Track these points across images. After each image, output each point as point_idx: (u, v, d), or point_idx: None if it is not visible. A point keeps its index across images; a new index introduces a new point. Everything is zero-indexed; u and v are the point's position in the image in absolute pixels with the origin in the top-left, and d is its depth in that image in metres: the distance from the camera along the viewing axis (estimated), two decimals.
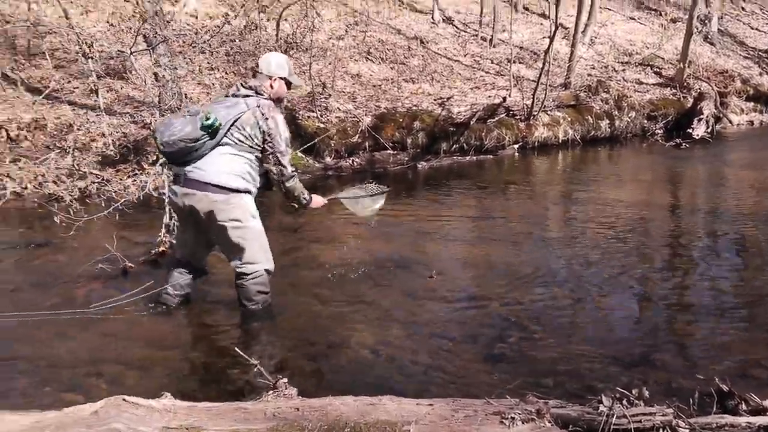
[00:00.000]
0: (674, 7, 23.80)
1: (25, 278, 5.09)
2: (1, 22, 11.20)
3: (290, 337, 4.03)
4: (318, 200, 4.28)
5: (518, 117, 12.07)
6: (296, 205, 4.20)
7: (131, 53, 6.91)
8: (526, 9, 19.71)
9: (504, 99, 11.89)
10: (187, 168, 3.89)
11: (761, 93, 18.11)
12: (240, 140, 3.89)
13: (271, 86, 4.03)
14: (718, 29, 21.89)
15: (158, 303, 4.29)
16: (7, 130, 9.46)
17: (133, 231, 6.32)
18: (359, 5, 15.13)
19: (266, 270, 4.11)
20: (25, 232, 6.78)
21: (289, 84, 4.15)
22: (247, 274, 4.05)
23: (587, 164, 11.41)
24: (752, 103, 17.66)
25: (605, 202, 7.97)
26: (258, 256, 4.04)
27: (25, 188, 7.67)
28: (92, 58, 7.55)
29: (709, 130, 13.60)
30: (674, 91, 16.06)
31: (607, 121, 13.35)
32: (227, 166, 3.88)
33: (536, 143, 12.08)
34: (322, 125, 10.10)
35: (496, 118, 11.67)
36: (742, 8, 26.44)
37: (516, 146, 11.80)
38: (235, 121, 3.86)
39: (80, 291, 4.70)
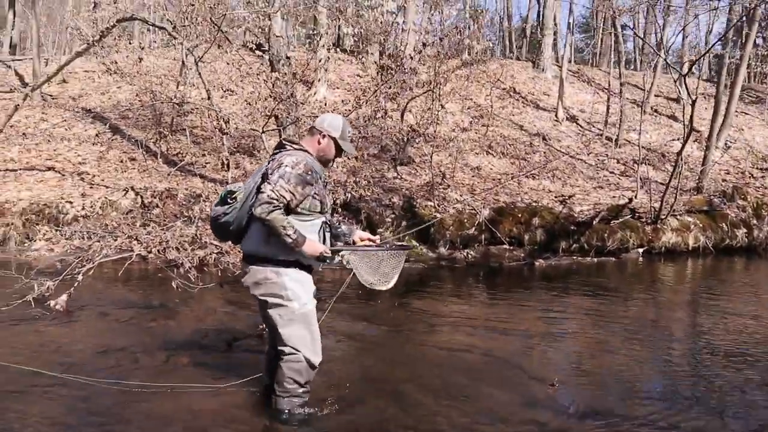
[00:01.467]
0: None
1: (138, 337, 5.16)
2: (152, 99, 12.17)
3: None
4: (314, 246, 3.49)
5: (644, 220, 11.43)
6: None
7: (262, 132, 7.16)
8: (655, 111, 19.15)
9: (630, 200, 11.34)
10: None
11: None
12: None
13: (319, 142, 3.68)
14: None
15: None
16: (142, 197, 10.06)
17: (243, 306, 6.34)
18: (483, 100, 15.25)
19: (307, 360, 3.54)
20: (144, 294, 7.02)
21: (339, 149, 3.73)
22: (285, 354, 3.54)
23: (720, 274, 10.48)
24: None
25: (738, 317, 7.12)
26: (297, 341, 3.52)
27: (150, 252, 8.00)
28: (227, 133, 7.92)
29: None
30: None
31: (744, 230, 12.36)
32: (262, 234, 3.49)
33: (663, 248, 11.32)
34: (438, 215, 9.98)
35: (621, 220, 11.10)
36: None
37: (641, 250, 11.12)
38: (260, 186, 3.49)
39: (183, 359, 4.66)
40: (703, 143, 15.46)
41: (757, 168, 16.75)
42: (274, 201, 3.36)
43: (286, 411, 3.59)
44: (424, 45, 10.09)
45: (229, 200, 3.63)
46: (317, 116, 4.75)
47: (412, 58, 10.54)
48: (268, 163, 3.63)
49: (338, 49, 18.00)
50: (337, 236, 3.78)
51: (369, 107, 12.02)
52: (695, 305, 8.12)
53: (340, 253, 3.69)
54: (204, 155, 11.61)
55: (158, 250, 7.62)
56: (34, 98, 15.28)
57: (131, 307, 6.31)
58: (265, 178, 3.49)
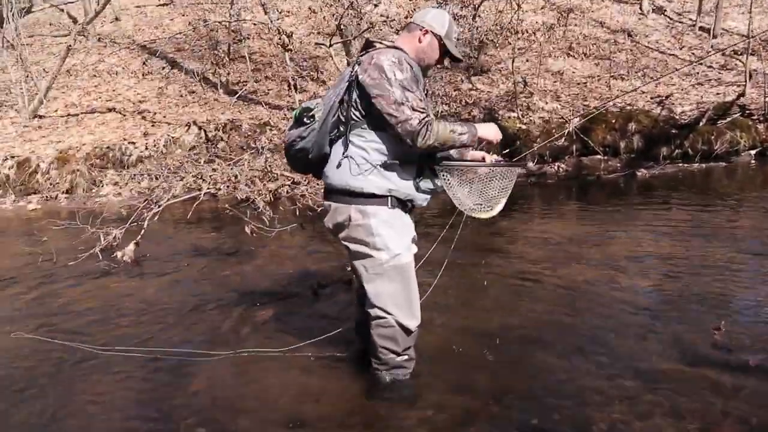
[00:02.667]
0: None
1: (211, 292, 4.65)
2: (206, 27, 11.48)
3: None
4: (488, 129, 2.84)
5: (756, 117, 10.14)
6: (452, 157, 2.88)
7: (331, 44, 6.37)
8: None
9: (738, 96, 10.07)
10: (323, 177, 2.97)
11: None
12: (352, 118, 2.77)
13: (420, 40, 2.85)
14: None
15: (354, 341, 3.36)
16: (205, 131, 9.54)
17: (326, 244, 5.76)
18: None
19: (399, 324, 2.82)
20: (217, 236, 6.54)
21: (443, 51, 2.90)
22: (373, 318, 2.86)
23: None
24: None
25: None
26: (387, 300, 2.81)
27: (219, 189, 7.50)
28: (291, 50, 7.14)
29: None
30: None
31: None
32: (345, 162, 2.78)
33: None
34: (524, 126, 9.05)
35: (729, 119, 9.87)
36: None
37: (753, 152, 9.90)
38: (343, 97, 2.80)
39: (264, 314, 4.10)
40: None
41: None
42: (425, 118, 2.63)
43: (389, 384, 2.91)
44: None
45: (306, 120, 2.86)
46: (380, 28, 3.83)
47: None
48: (353, 68, 2.83)
49: None
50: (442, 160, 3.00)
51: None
52: None
53: (442, 174, 2.91)
54: (267, 80, 10.94)
55: (228, 187, 7.10)
56: (89, 39, 14.86)
57: (203, 254, 5.80)
58: (376, 93, 2.66)
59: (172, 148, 9.47)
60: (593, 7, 15.01)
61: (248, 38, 12.28)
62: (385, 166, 2.76)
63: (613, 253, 5.21)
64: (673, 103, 10.19)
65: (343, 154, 2.79)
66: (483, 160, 3.01)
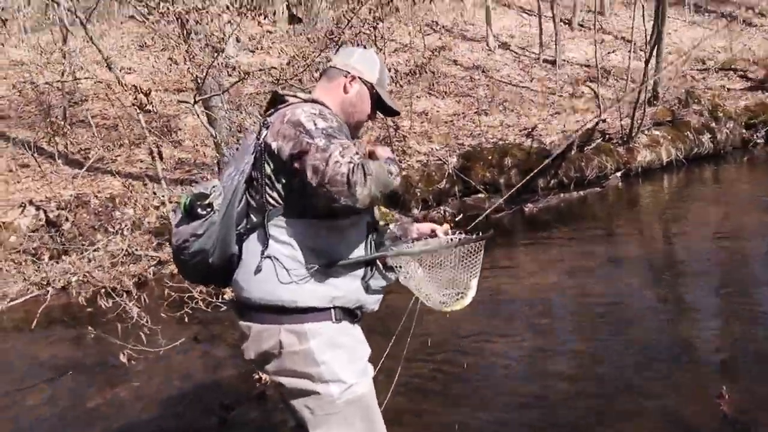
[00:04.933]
0: (734, 5, 22.22)
1: None
2: (35, 92, 10.13)
3: None
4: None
5: (615, 141, 10.53)
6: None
7: (195, 102, 5.54)
8: (581, 26, 18.31)
9: (597, 122, 10.39)
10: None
11: None
12: (269, 203, 2.04)
13: (346, 89, 2.17)
14: None
15: None
16: (45, 211, 8.23)
17: (225, 345, 4.82)
18: (412, 39, 13.83)
19: None
20: (75, 346, 5.35)
21: (378, 101, 2.23)
22: None
23: (705, 188, 9.84)
24: None
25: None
26: None
27: (70, 284, 6.35)
28: (150, 110, 6.11)
29: None
30: (767, 94, 14.42)
31: (708, 135, 11.72)
32: (267, 265, 2.02)
33: (639, 168, 10.48)
34: (403, 172, 8.66)
35: (593, 145, 10.15)
36: None
37: (619, 174, 10.22)
38: (251, 175, 2.06)
39: None
40: (640, 53, 14.73)
41: (695, 70, 16.25)
42: (353, 161, 1.81)
43: None
44: None
45: (200, 211, 2.01)
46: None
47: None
48: (258, 134, 2.07)
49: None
50: (383, 244, 2.32)
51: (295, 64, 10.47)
52: (699, 235, 7.28)
53: (397, 265, 2.23)
54: (115, 146, 9.77)
55: (82, 279, 5.97)
56: None
57: (57, 375, 4.59)
58: (295, 148, 1.90)
59: (3, 235, 8.05)
60: (447, 45, 15.24)
61: (86, 100, 11.05)
62: (326, 266, 2.02)
63: (522, 299, 4.85)
64: (540, 134, 10.32)
65: (263, 254, 2.02)
66: (432, 233, 2.37)
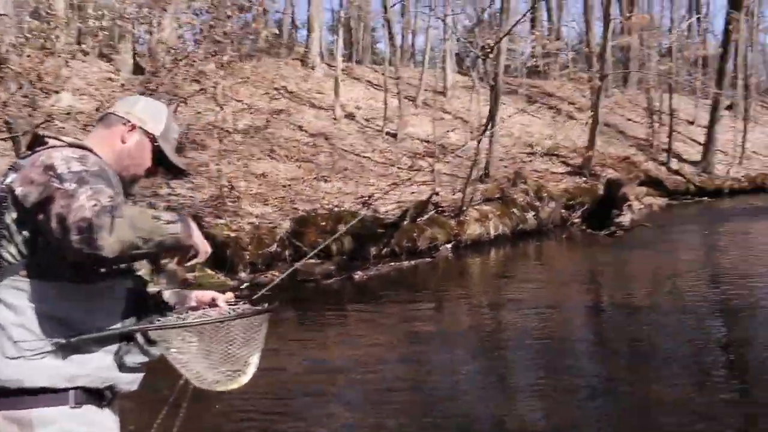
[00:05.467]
0: (559, 100, 24.55)
1: None
2: None
3: None
4: (199, 236, 1.72)
5: (447, 214, 10.95)
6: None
7: None
8: (425, 104, 19.27)
9: (432, 195, 10.78)
10: None
11: (651, 178, 18.60)
12: (4, 258, 1.68)
13: (123, 139, 1.89)
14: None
15: None
16: None
17: None
18: (258, 101, 13.75)
19: None
20: None
21: (160, 155, 1.94)
22: None
23: (528, 262, 10.45)
24: (644, 188, 17.95)
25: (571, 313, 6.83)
26: None
27: None
28: None
29: (634, 217, 13.18)
30: (584, 178, 15.87)
31: (532, 213, 12.59)
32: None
33: (469, 241, 10.93)
34: (233, 234, 8.36)
35: (426, 216, 10.47)
36: (615, 102, 27.89)
37: (449, 246, 10.57)
38: None
39: None
40: (475, 132, 15.72)
41: (524, 153, 17.56)
42: (109, 203, 1.51)
43: None
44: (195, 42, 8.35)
45: None
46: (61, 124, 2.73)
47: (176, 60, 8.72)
48: (4, 179, 1.74)
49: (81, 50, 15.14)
50: (152, 310, 2.01)
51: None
52: (519, 307, 7.65)
53: (162, 339, 1.92)
54: None
55: None
56: None
57: None
58: (41, 194, 1.60)
59: None
60: (292, 111, 15.30)
61: None
62: (69, 339, 1.65)
63: (341, 368, 4.70)
64: (376, 204, 10.49)
65: None
66: (213, 302, 2.10)
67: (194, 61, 8.68)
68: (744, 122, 23.68)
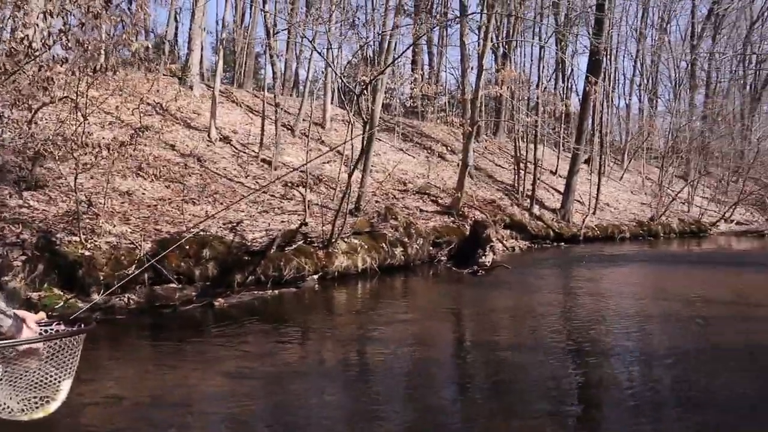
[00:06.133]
0: (433, 141, 25.49)
1: None
2: None
3: None
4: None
5: (316, 245, 10.98)
6: None
7: None
8: (304, 134, 19.35)
9: (301, 224, 10.79)
10: None
11: (515, 222, 19.67)
12: None
13: None
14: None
15: None
16: None
17: None
18: (129, 115, 13.20)
19: None
20: None
21: None
22: None
23: (394, 297, 10.64)
24: (508, 231, 18.99)
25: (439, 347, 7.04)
26: None
27: None
28: None
29: (496, 258, 13.86)
30: (452, 218, 16.50)
31: (401, 249, 12.90)
32: None
33: (336, 273, 11.00)
34: (88, 252, 7.92)
35: (294, 246, 10.44)
36: (485, 147, 29.41)
37: (316, 277, 10.59)
38: None
39: None
40: (350, 166, 15.99)
41: (396, 189, 18.02)
42: None
43: None
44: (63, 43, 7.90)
45: None
46: None
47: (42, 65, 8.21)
48: None
49: None
50: None
51: None
52: (382, 341, 7.80)
53: None
54: None
55: None
56: None
57: None
58: None
59: None
60: (164, 129, 14.80)
61: None
62: None
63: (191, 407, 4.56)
64: (244, 230, 10.33)
65: None
66: (22, 322, 2.01)
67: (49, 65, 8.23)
68: (598, 176, 25.76)
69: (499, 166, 27.02)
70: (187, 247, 9.06)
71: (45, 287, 7.46)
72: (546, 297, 10.67)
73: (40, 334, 1.97)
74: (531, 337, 7.70)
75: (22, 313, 1.99)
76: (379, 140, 22.39)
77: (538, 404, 5.16)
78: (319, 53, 13.30)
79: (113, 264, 8.14)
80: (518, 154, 24.19)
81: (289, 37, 24.02)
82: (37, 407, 1.90)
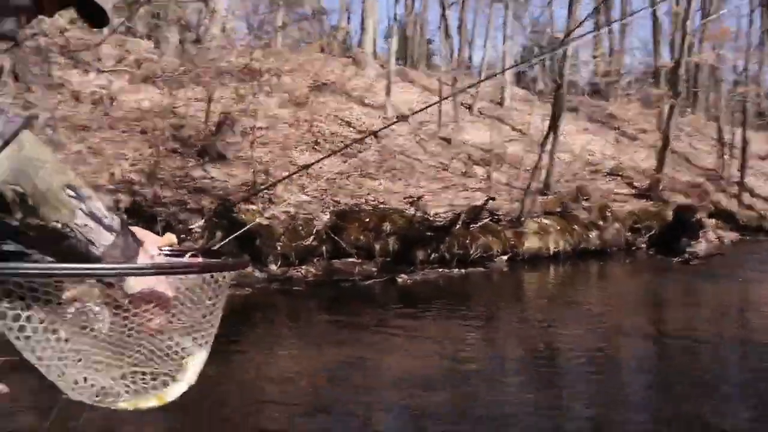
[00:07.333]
0: (621, 121, 23.24)
1: None
2: None
3: None
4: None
5: (503, 223, 9.85)
6: None
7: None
8: (481, 113, 18.25)
9: (487, 200, 9.70)
10: None
11: (720, 210, 17.14)
12: None
13: None
14: None
15: None
16: None
17: None
18: (303, 92, 12.93)
19: None
20: None
21: None
22: None
23: (591, 283, 9.29)
24: (713, 220, 16.53)
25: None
26: None
27: None
28: None
29: (710, 246, 11.83)
30: (651, 202, 14.59)
31: (596, 232, 11.39)
32: None
33: (526, 255, 9.79)
34: (265, 222, 7.43)
35: (480, 223, 9.38)
36: (681, 129, 26.39)
37: (505, 258, 9.45)
38: None
39: None
40: (534, 146, 14.67)
41: (585, 171, 16.35)
42: None
43: None
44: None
45: None
46: None
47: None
48: None
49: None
50: None
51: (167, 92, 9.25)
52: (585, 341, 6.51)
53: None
54: None
55: None
56: None
57: None
58: None
59: None
60: (340, 107, 14.45)
61: None
62: None
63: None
64: (426, 205, 9.47)
65: None
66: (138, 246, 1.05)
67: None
68: None
69: (697, 148, 24.02)
70: (367, 220, 8.35)
71: (222, 257, 7.04)
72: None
73: (166, 267, 1.01)
74: (745, 335, 6.09)
75: (139, 231, 1.01)
76: (565, 120, 20.72)
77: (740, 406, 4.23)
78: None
79: (291, 234, 7.59)
80: (721, 135, 21.22)
81: (461, 23, 23.03)
82: (148, 390, 0.96)
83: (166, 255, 1.05)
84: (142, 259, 0.94)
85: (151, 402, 0.95)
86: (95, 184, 7.05)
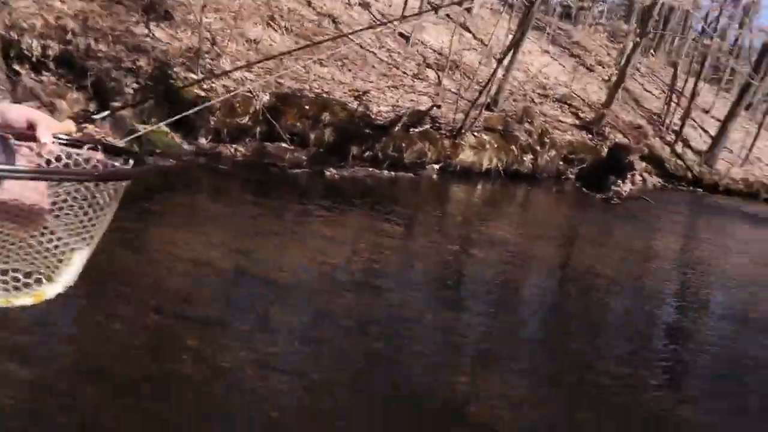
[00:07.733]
0: (584, 50, 23.17)
1: None
2: None
3: None
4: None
5: (443, 132, 9.93)
6: None
7: None
8: (448, 16, 17.81)
9: (432, 107, 9.73)
10: None
11: (653, 155, 17.68)
12: None
13: None
14: None
15: None
16: None
17: None
18: None
19: None
20: None
21: None
22: None
23: (515, 207, 9.59)
24: (644, 163, 17.06)
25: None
26: None
27: None
28: None
29: (633, 188, 12.29)
30: (591, 136, 14.89)
31: (531, 156, 11.65)
32: None
33: (459, 167, 9.98)
34: (203, 93, 7.27)
35: (420, 129, 9.44)
36: (637, 69, 26.54)
37: (437, 167, 9.62)
38: None
39: None
40: (491, 60, 14.51)
41: (536, 93, 16.41)
42: None
43: None
44: None
45: None
46: None
47: None
48: None
49: None
50: None
51: None
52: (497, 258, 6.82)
53: None
54: None
55: None
56: None
57: None
58: None
59: None
60: None
61: None
62: None
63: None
64: (369, 101, 9.41)
65: None
66: (30, 128, 0.99)
67: None
68: (759, 126, 22.62)
69: (648, 91, 24.33)
70: (307, 107, 8.28)
71: (152, 121, 6.90)
72: (679, 243, 9.28)
73: (57, 159, 0.99)
74: (641, 280, 6.57)
75: (33, 113, 0.97)
76: (528, 39, 20.48)
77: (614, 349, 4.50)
78: None
79: (226, 110, 7.48)
80: (675, 82, 21.50)
81: None
82: (21, 288, 0.98)
83: (61, 144, 0.97)
84: (28, 152, 0.90)
85: (26, 299, 0.96)
86: (22, 28, 6.67)
